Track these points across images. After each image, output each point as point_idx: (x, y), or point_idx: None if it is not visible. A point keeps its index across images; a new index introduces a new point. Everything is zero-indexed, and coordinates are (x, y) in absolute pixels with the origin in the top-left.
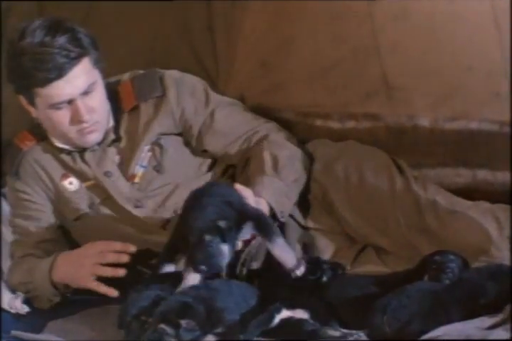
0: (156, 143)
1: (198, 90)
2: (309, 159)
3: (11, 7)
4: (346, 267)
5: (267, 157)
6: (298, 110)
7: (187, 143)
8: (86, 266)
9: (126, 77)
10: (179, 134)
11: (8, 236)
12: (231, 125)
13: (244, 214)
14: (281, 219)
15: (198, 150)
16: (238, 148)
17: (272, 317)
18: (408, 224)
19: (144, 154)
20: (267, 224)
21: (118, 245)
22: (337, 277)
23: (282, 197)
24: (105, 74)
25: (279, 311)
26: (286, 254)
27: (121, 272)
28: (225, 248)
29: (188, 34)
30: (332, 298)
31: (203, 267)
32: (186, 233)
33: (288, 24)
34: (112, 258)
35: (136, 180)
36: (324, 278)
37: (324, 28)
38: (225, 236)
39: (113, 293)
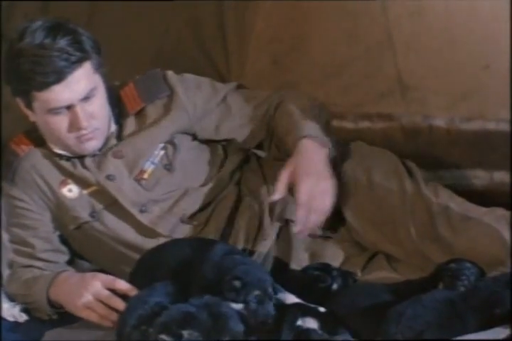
0: (170, 142)
1: (203, 83)
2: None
3: (14, 6)
4: (357, 274)
5: (290, 111)
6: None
7: (202, 141)
8: (83, 298)
9: (126, 81)
10: (193, 134)
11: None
12: (247, 106)
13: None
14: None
15: (215, 146)
16: (260, 124)
17: (294, 323)
18: (419, 232)
19: (157, 152)
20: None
21: (123, 285)
22: (347, 285)
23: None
24: (109, 76)
25: (296, 319)
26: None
27: (113, 317)
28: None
29: (198, 32)
30: (342, 306)
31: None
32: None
33: (301, 22)
34: (110, 301)
35: (145, 176)
36: (334, 286)
37: (337, 26)
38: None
39: (107, 323)
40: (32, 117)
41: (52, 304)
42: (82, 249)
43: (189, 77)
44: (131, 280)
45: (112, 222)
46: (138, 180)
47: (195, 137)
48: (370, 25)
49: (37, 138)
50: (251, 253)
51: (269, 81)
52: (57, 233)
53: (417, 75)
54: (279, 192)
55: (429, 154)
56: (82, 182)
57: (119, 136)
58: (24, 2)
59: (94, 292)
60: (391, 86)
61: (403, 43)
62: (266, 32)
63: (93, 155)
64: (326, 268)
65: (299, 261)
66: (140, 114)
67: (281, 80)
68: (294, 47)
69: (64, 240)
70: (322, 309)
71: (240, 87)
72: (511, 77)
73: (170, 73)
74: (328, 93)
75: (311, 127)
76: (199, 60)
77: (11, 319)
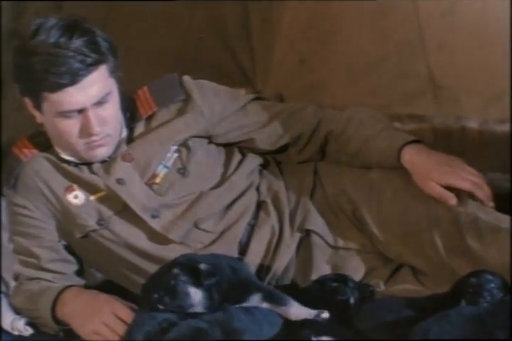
0: (184, 145)
1: (222, 90)
2: None
3: (26, 5)
4: (380, 287)
5: (359, 119)
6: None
7: (218, 144)
8: (93, 325)
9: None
10: (208, 137)
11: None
12: (266, 113)
13: (250, 285)
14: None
15: (231, 149)
16: (284, 129)
17: None
18: (446, 244)
19: (170, 154)
20: (276, 295)
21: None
22: (364, 298)
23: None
24: (128, 78)
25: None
26: (303, 313)
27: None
28: (193, 291)
29: (221, 31)
30: (362, 322)
31: (167, 298)
32: None
33: (329, 19)
34: (121, 331)
35: (157, 180)
36: (351, 300)
37: (367, 24)
38: (199, 280)
39: None
40: (40, 119)
41: (58, 321)
42: (90, 259)
43: (207, 83)
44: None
45: (122, 229)
46: (150, 184)
47: (210, 140)
48: (401, 24)
49: (41, 143)
50: (270, 265)
51: (296, 80)
52: (63, 242)
53: (449, 75)
54: (450, 197)
55: (461, 156)
56: (89, 188)
57: (129, 141)
58: (36, 2)
59: (105, 320)
60: (422, 86)
61: (435, 42)
62: (292, 29)
63: (102, 162)
64: (343, 279)
65: (320, 273)
66: (152, 118)
67: (309, 80)
68: (322, 46)
69: (71, 249)
70: (326, 314)
71: (260, 98)
72: (511, 77)
73: (187, 78)
74: (356, 93)
75: (393, 134)
76: (223, 60)
77: (15, 332)
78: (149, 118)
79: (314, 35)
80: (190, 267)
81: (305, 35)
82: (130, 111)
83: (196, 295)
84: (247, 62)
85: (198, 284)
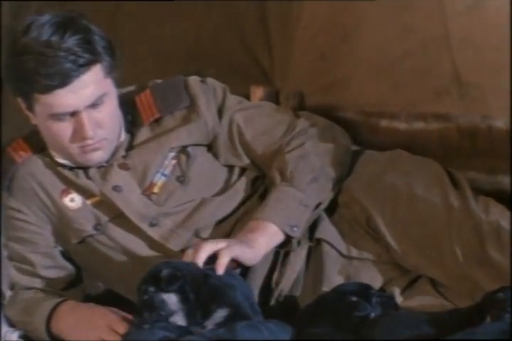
0: (183, 151)
1: (217, 92)
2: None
3: (29, 4)
4: (397, 299)
5: (274, 167)
6: (361, 109)
7: (215, 154)
8: (88, 339)
9: (143, 86)
10: (207, 145)
11: None
12: (269, 130)
13: (221, 297)
14: (294, 234)
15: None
16: (261, 156)
17: None
18: (466, 255)
19: (168, 161)
20: (243, 318)
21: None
22: (385, 313)
23: (294, 208)
24: (139, 77)
25: None
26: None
27: None
28: (166, 296)
29: (237, 27)
30: (380, 337)
31: (146, 313)
32: None
33: (350, 14)
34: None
35: (155, 190)
36: (372, 315)
37: (390, 19)
38: (165, 285)
39: None
40: (33, 120)
41: (53, 335)
42: (87, 266)
43: (210, 83)
44: None
45: (120, 235)
46: (148, 195)
47: (210, 148)
48: (425, 19)
49: (37, 143)
50: (278, 276)
51: (317, 78)
52: (60, 248)
53: (475, 73)
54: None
55: (488, 157)
56: (84, 192)
57: (130, 147)
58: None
59: (101, 335)
60: (447, 84)
61: (461, 38)
62: (312, 24)
63: (99, 167)
64: (366, 291)
65: (332, 285)
66: (156, 124)
67: (330, 77)
68: (344, 41)
69: (67, 256)
70: None
71: (257, 105)
72: (511, 77)
73: (192, 81)
74: (379, 91)
75: (272, 211)
76: (239, 57)
77: None
78: (153, 123)
79: (335, 30)
80: (152, 277)
81: (325, 31)
82: (132, 115)
83: (171, 300)
84: (264, 59)
85: (165, 290)
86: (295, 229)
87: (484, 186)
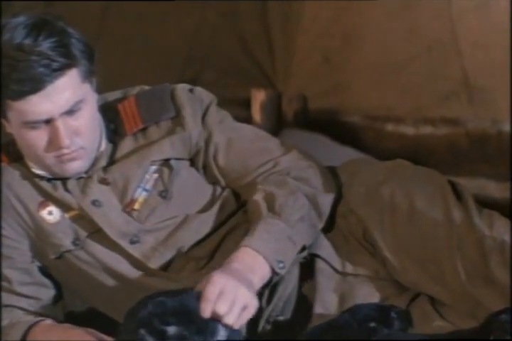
0: (166, 164)
1: (204, 104)
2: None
3: (14, 4)
4: None
5: (259, 198)
6: (366, 113)
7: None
8: None
9: (129, 92)
10: (190, 159)
11: None
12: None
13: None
14: (280, 272)
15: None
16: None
17: None
18: (469, 272)
19: (149, 176)
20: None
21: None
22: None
23: (282, 243)
24: (135, 79)
25: None
26: None
27: None
28: None
29: (237, 28)
30: None
31: None
32: None
33: (354, 14)
34: None
35: (136, 206)
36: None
37: (395, 20)
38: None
39: None
40: (8, 128)
41: None
42: (67, 282)
43: (201, 96)
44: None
45: (99, 252)
46: (128, 212)
47: (192, 163)
48: (431, 20)
49: (14, 152)
50: (270, 295)
51: (320, 80)
52: (37, 263)
53: (484, 75)
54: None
55: (498, 162)
56: (63, 206)
57: (111, 158)
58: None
59: None
60: (456, 87)
61: (469, 40)
62: (315, 25)
63: (78, 178)
64: (386, 318)
65: (325, 303)
66: (141, 134)
67: (333, 80)
68: (347, 43)
69: (46, 272)
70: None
71: (236, 128)
72: (511, 77)
73: (180, 90)
74: (384, 94)
75: (260, 241)
76: (239, 58)
77: None
78: (138, 133)
79: (338, 31)
80: (157, 331)
81: (328, 32)
82: (115, 124)
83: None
84: (266, 61)
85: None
86: (281, 265)
87: (494, 193)
